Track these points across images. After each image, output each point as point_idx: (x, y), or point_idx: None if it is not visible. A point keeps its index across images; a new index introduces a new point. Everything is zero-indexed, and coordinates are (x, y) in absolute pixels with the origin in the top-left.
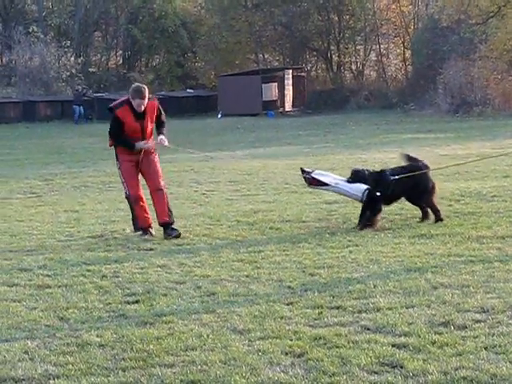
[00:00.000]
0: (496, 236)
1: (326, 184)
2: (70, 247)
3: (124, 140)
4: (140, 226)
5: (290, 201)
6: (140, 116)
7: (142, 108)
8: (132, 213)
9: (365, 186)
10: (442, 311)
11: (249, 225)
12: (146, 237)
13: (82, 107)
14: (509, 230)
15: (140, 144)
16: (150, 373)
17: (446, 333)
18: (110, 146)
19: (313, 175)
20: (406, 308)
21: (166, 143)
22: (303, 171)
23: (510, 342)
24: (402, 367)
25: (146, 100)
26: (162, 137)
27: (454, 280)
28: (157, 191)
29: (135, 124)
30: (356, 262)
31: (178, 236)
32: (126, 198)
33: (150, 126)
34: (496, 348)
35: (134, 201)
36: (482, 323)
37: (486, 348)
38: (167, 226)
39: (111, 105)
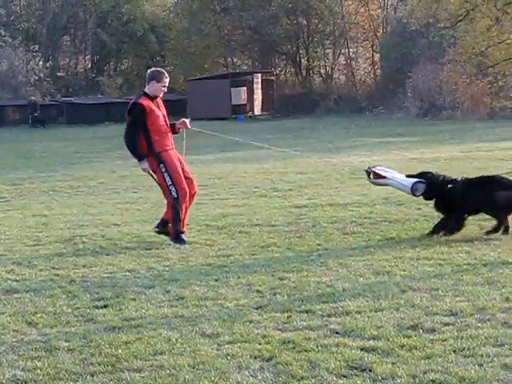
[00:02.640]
0: (465, 239)
1: (384, 177)
2: (38, 252)
3: (132, 145)
4: (180, 229)
5: (259, 205)
6: (157, 106)
7: (165, 90)
8: (176, 217)
9: (416, 179)
10: (410, 314)
11: (218, 229)
12: (183, 240)
13: (34, 115)
14: (477, 233)
15: (146, 164)
16: (119, 377)
17: (415, 336)
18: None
19: (373, 169)
20: (375, 311)
21: (189, 125)
22: (367, 172)
23: (478, 344)
24: (370, 371)
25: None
26: (183, 119)
27: (422, 283)
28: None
29: (158, 113)
30: (325, 265)
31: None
32: (172, 202)
33: (168, 120)
34: (464, 351)
35: (182, 200)
36: (451, 326)
37: (454, 351)
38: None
39: (131, 102)
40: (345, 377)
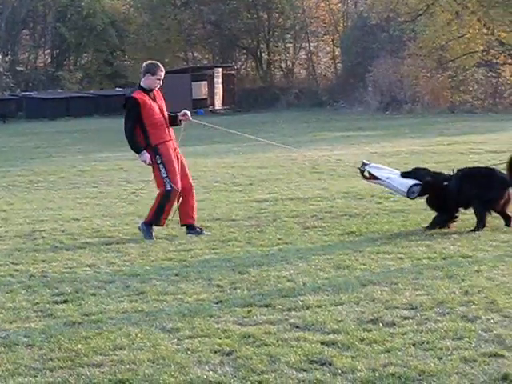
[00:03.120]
0: (424, 233)
1: (377, 178)
2: None
3: (131, 138)
4: (154, 222)
5: (219, 199)
6: (154, 99)
7: (160, 83)
8: (160, 208)
9: (412, 182)
10: (370, 308)
11: (178, 223)
12: (151, 234)
13: None
14: (437, 228)
15: (145, 156)
16: (78, 373)
17: (375, 330)
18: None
19: (368, 168)
20: (335, 305)
21: (190, 117)
22: (363, 164)
23: (437, 338)
24: (330, 364)
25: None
26: (185, 111)
27: (382, 277)
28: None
29: (153, 105)
30: (285, 259)
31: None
32: (164, 193)
33: (166, 112)
34: (424, 344)
35: (173, 197)
36: (411, 320)
37: (414, 345)
38: (191, 226)
39: (125, 96)
40: (305, 371)
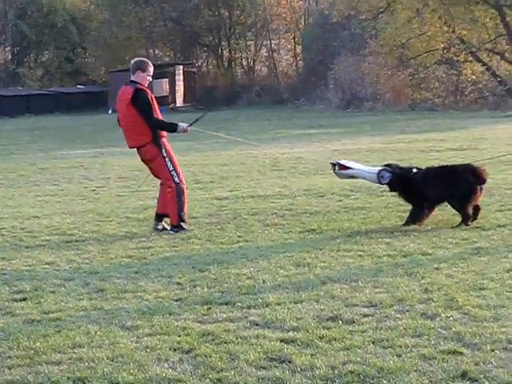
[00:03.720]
0: (385, 231)
1: (350, 168)
2: None
3: (163, 121)
4: (180, 220)
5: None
6: None
7: (150, 79)
8: (179, 204)
9: (380, 167)
10: (330, 306)
11: (138, 221)
12: (185, 229)
13: None
14: (397, 225)
15: (183, 125)
16: (37, 370)
17: (334, 327)
18: (138, 145)
19: (339, 161)
20: (295, 303)
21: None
22: (333, 164)
23: (397, 335)
24: (289, 362)
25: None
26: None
27: (342, 275)
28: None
29: (154, 100)
30: (245, 257)
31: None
32: (175, 187)
33: None
34: (383, 342)
35: (182, 189)
36: (370, 317)
37: (373, 342)
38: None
39: (131, 91)
40: (264, 368)
